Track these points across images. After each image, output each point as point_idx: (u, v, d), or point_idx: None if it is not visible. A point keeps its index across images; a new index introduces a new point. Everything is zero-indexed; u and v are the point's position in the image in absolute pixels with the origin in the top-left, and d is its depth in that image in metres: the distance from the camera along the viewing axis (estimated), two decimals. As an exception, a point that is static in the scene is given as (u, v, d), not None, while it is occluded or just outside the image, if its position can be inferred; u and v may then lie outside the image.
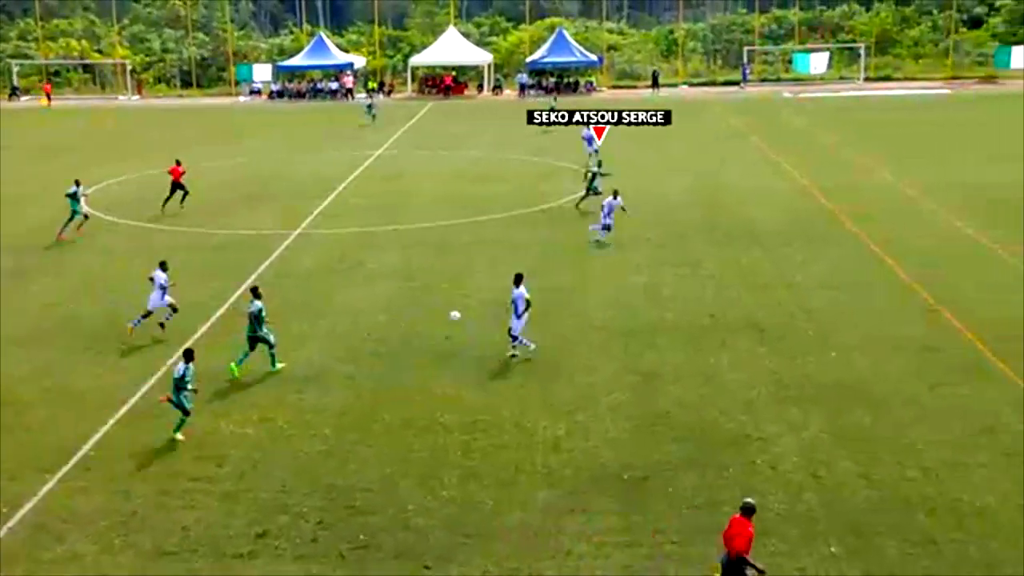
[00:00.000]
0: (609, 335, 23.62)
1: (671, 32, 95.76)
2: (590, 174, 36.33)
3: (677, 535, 15.19)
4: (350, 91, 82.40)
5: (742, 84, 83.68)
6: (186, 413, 18.63)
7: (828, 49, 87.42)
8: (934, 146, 50.57)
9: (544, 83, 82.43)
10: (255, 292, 22.06)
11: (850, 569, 14.27)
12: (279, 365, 21.71)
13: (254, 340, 21.52)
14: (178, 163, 38.30)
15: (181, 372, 18.58)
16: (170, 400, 18.61)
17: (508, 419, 19.21)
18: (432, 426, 19.02)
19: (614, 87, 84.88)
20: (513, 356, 22.08)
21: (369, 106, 65.78)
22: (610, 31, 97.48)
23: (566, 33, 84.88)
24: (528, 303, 21.92)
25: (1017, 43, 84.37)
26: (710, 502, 16.06)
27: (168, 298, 24.21)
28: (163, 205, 37.64)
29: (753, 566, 13.10)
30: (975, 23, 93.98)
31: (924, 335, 23.10)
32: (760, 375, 21.07)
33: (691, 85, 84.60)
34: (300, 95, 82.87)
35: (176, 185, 37.79)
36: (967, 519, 15.38)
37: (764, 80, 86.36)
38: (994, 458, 17.21)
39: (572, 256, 30.66)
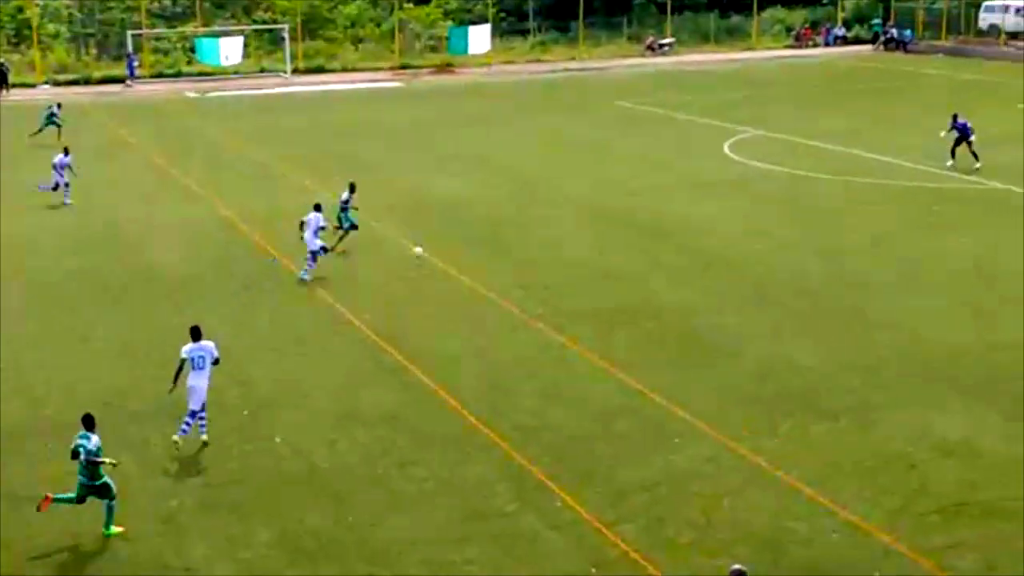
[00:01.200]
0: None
1: (20, 11, 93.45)
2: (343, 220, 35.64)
3: None
4: None
5: (129, 81, 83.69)
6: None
7: (242, 32, 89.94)
8: (388, 155, 53.67)
9: None
10: None
11: None
12: None
13: None
14: None
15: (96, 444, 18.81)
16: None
17: None
18: None
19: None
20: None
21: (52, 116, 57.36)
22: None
23: None
24: (217, 360, 22.41)
25: (474, 22, 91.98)
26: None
27: None
28: None
29: None
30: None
31: (393, 402, 24.36)
32: (181, 479, 21.09)
33: (56, 84, 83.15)
34: None
35: None
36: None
37: (160, 75, 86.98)
38: (486, 550, 18.43)
39: None
